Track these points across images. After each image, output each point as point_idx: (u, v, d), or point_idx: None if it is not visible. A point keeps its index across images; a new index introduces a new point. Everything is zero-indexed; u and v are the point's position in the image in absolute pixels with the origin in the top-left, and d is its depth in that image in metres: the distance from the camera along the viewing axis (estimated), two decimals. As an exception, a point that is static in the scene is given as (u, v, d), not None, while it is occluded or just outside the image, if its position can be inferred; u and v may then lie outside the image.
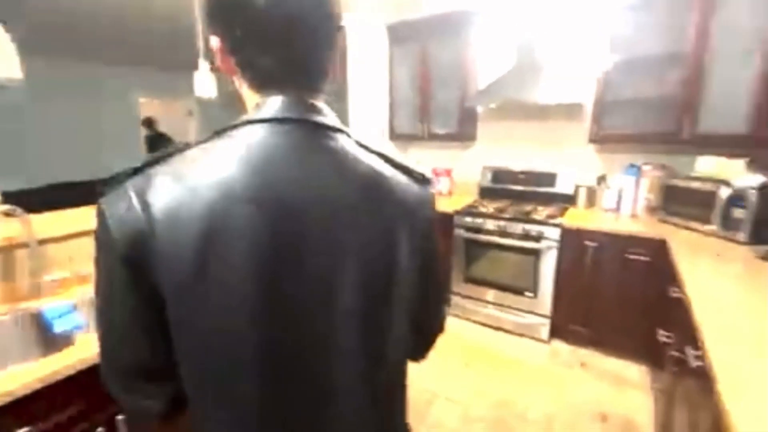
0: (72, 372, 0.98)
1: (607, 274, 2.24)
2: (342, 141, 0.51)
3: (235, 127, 0.48)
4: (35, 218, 1.39)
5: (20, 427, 0.90)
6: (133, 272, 0.43)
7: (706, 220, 2.00)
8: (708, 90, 2.04)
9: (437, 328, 0.67)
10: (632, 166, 2.42)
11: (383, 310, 0.52)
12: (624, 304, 2.21)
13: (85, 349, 1.03)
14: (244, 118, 0.48)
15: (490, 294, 2.67)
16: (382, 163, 0.54)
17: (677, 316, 1.47)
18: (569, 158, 2.78)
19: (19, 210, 1.27)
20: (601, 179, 2.62)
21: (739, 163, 1.97)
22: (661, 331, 1.62)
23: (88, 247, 1.50)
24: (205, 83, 1.97)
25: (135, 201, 0.42)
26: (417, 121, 3.11)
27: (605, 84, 2.34)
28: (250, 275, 0.43)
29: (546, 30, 2.53)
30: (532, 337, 2.55)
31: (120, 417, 1.06)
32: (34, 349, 1.22)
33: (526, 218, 2.46)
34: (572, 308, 2.40)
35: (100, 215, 0.44)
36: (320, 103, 0.51)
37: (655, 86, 2.21)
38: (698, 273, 1.52)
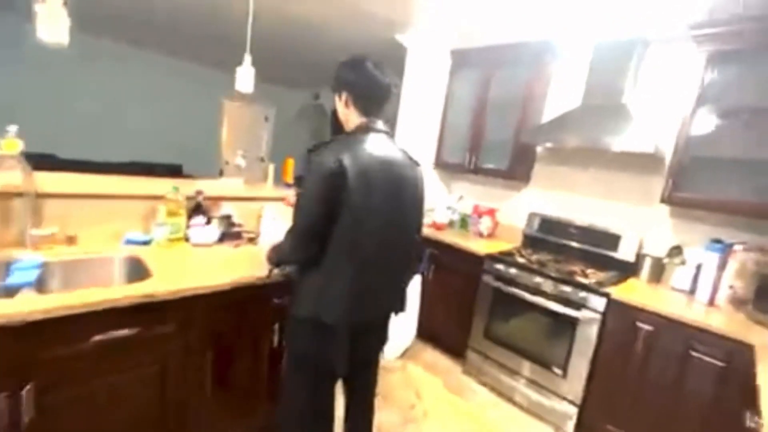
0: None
1: (663, 370, 1.76)
2: (394, 142, 1.21)
3: (365, 131, 1.15)
4: (42, 174, 1.43)
5: None
6: (332, 188, 1.03)
7: (818, 331, 1.47)
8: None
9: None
10: (717, 241, 1.93)
11: (417, 217, 1.30)
12: (682, 414, 1.70)
13: (15, 306, 0.97)
14: (365, 128, 1.16)
15: (511, 359, 2.27)
16: (403, 152, 1.22)
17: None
18: (635, 219, 2.34)
19: (23, 162, 1.32)
20: (675, 251, 2.14)
21: None
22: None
23: (84, 210, 1.51)
24: (246, 78, 2.00)
25: (336, 157, 1.03)
26: (465, 152, 2.89)
27: (690, 136, 1.93)
28: (383, 200, 1.10)
29: (624, 67, 2.21)
30: (552, 424, 2.09)
31: (27, 387, 0.98)
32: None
33: (568, 279, 2.07)
34: (610, 402, 1.92)
35: (316, 161, 1.06)
36: (383, 120, 1.21)
37: (758, 146, 1.76)
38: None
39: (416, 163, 1.25)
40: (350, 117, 1.18)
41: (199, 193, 1.77)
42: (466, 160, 2.88)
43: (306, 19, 3.01)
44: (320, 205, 1.05)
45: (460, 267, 2.56)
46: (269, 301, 1.48)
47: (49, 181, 1.46)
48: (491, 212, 2.93)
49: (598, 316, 1.94)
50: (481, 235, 2.93)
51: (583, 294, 2.00)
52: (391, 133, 1.21)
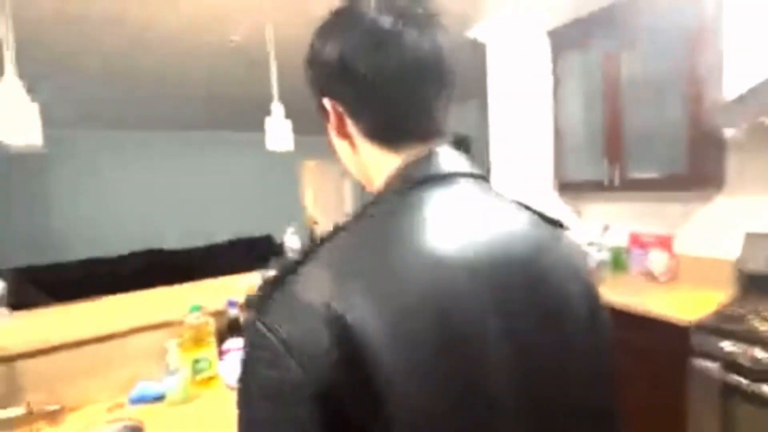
0: None
1: None
2: (490, 190, 0.43)
3: (411, 188, 0.39)
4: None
5: None
6: (328, 414, 0.29)
7: None
8: None
9: None
10: None
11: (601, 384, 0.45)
12: None
13: None
14: (411, 177, 0.39)
15: None
16: (521, 208, 0.44)
17: None
18: None
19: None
20: None
21: None
22: None
23: (74, 362, 1.08)
24: (278, 132, 1.49)
25: (324, 317, 0.30)
26: (600, 160, 1.97)
27: None
28: (499, 370, 0.34)
29: None
30: None
31: None
32: None
33: None
34: None
35: (265, 340, 0.31)
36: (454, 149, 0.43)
37: None
38: None
39: (559, 227, 0.46)
40: (367, 160, 0.45)
41: (231, 304, 1.25)
42: (606, 172, 1.96)
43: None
44: None
45: (635, 339, 1.60)
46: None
47: (6, 333, 1.07)
48: (664, 242, 1.91)
49: None
50: (652, 278, 1.91)
51: None
52: (483, 175, 0.44)
